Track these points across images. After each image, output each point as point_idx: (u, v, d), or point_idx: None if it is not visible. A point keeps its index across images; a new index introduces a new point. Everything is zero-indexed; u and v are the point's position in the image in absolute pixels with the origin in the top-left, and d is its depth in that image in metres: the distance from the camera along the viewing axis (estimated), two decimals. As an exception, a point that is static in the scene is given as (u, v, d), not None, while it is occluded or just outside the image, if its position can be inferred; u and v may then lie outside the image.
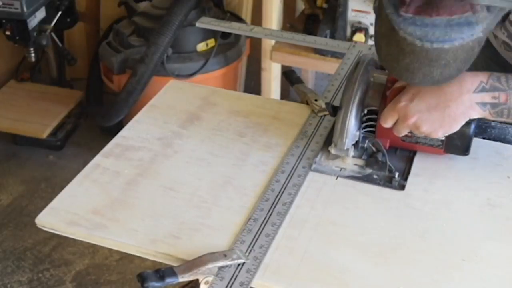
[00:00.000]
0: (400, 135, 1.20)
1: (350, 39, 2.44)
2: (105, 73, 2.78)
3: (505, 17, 1.26)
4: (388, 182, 1.20)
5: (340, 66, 1.57)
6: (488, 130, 1.33)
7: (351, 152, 1.23)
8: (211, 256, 1.00)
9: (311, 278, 1.01)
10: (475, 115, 1.13)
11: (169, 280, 0.96)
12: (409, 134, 1.21)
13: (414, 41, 0.96)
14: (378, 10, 1.01)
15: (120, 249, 1.09)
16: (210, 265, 0.99)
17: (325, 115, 1.37)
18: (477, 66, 1.45)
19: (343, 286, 1.00)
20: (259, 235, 1.07)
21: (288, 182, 1.19)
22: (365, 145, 1.25)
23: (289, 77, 1.53)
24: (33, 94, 3.05)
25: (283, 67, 2.67)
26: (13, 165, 2.86)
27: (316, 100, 1.41)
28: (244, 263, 1.01)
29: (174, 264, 1.02)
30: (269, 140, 1.32)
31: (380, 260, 1.04)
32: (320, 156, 1.26)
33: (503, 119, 1.14)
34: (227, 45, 2.72)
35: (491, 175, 1.23)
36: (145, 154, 1.28)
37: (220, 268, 1.00)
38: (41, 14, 2.69)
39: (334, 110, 1.28)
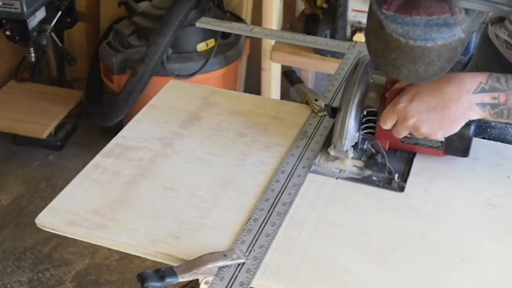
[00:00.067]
0: (400, 137, 1.20)
1: (350, 39, 2.44)
2: (105, 73, 2.78)
3: (504, 17, 1.26)
4: (387, 184, 1.20)
5: (340, 66, 1.57)
6: (488, 130, 1.32)
7: (351, 154, 1.23)
8: (211, 256, 1.01)
9: (311, 278, 1.01)
10: (475, 116, 1.13)
11: (169, 280, 0.96)
12: (409, 136, 1.21)
13: (399, 38, 0.98)
14: (369, 6, 1.03)
15: (120, 249, 1.09)
16: (210, 265, 0.99)
17: (325, 115, 1.37)
18: (478, 66, 1.45)
19: (343, 286, 1.00)
20: (259, 235, 1.07)
21: (288, 182, 1.19)
22: (365, 146, 1.24)
23: (289, 77, 1.53)
24: (33, 94, 3.05)
25: (283, 67, 2.67)
26: (13, 165, 2.86)
27: (316, 100, 1.41)
28: (244, 263, 1.01)
29: (174, 264, 1.02)
30: (269, 140, 1.32)
31: (380, 260, 1.04)
32: (319, 157, 1.26)
33: (503, 120, 1.13)
34: (227, 45, 2.72)
35: (491, 175, 1.23)
36: (145, 154, 1.28)
37: (220, 268, 1.00)
38: (41, 14, 2.69)
39: (333, 112, 1.28)
